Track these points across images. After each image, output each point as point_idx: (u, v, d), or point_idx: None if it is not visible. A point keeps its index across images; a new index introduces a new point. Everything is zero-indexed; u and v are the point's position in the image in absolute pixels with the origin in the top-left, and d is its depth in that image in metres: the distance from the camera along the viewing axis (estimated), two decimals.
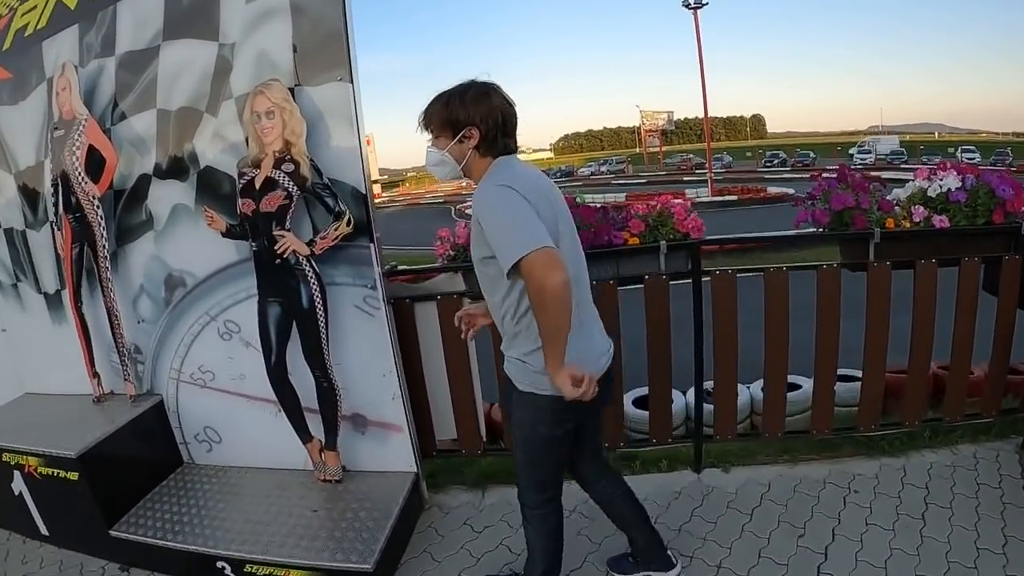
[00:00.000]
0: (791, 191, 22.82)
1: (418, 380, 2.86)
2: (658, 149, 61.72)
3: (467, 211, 2.34)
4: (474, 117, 1.71)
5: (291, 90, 2.50)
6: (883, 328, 2.88)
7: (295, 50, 2.53)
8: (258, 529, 2.62)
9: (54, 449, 2.79)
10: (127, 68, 2.89)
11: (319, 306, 2.56)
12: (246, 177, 2.57)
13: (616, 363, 2.08)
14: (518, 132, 1.81)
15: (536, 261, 1.53)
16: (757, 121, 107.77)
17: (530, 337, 1.72)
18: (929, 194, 2.86)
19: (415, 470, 2.83)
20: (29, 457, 2.88)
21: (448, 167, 1.78)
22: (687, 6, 30.62)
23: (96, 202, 2.90)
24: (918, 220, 2.83)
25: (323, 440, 2.78)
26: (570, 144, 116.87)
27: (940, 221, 2.80)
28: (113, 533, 2.80)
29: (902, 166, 34.84)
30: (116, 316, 2.99)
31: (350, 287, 2.63)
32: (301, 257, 2.53)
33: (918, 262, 2.83)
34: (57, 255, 3.17)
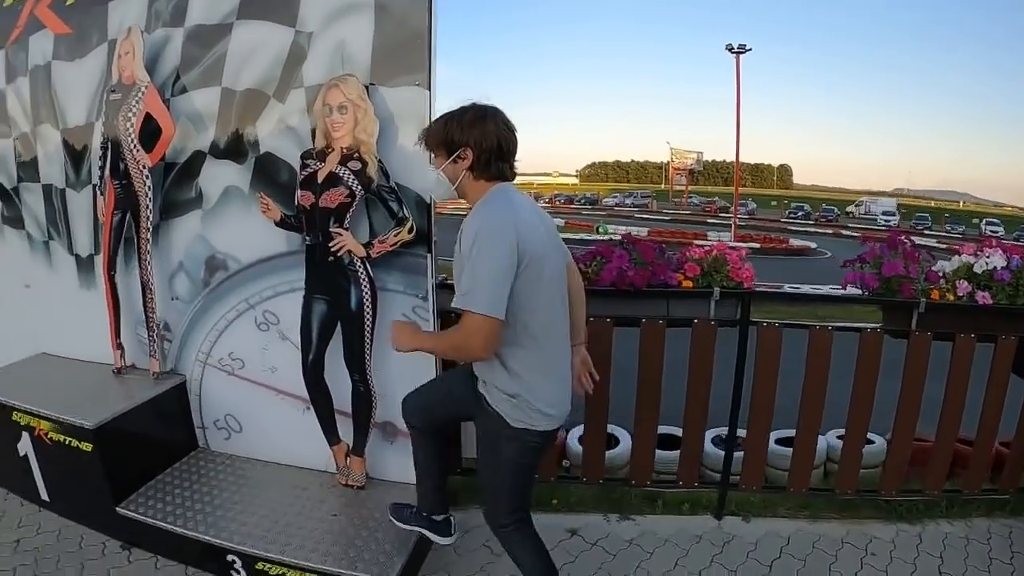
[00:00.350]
0: (813, 245, 22.88)
1: None
2: (684, 188, 61.46)
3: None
4: (468, 139, 1.76)
5: (365, 88, 2.44)
6: (917, 396, 2.90)
7: (374, 48, 2.48)
8: (275, 527, 2.57)
9: (71, 417, 2.72)
10: (195, 41, 2.83)
11: (368, 310, 2.51)
12: (309, 169, 2.51)
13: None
14: (516, 158, 1.86)
15: (481, 325, 1.65)
16: (784, 171, 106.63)
17: (516, 373, 1.81)
18: (975, 270, 2.88)
19: None
20: (42, 421, 2.81)
21: (443, 186, 1.85)
22: (730, 50, 30.33)
23: (146, 172, 2.84)
24: (962, 294, 2.85)
25: (351, 444, 2.73)
26: (596, 172, 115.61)
27: (983, 297, 2.83)
28: (120, 510, 2.74)
29: (925, 231, 35.39)
30: (151, 290, 2.93)
31: (401, 295, 2.59)
32: (356, 258, 2.48)
33: (958, 335, 2.85)
34: (95, 219, 3.10)
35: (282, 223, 2.61)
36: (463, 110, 1.80)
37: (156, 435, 2.99)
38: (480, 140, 1.76)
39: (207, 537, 2.56)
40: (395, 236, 2.45)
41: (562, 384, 1.91)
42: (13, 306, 3.64)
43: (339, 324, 2.56)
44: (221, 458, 3.06)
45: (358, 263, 2.49)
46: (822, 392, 2.88)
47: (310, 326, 2.60)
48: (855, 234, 31.28)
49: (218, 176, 2.80)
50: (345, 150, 2.44)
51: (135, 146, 2.84)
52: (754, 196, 58.42)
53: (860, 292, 2.94)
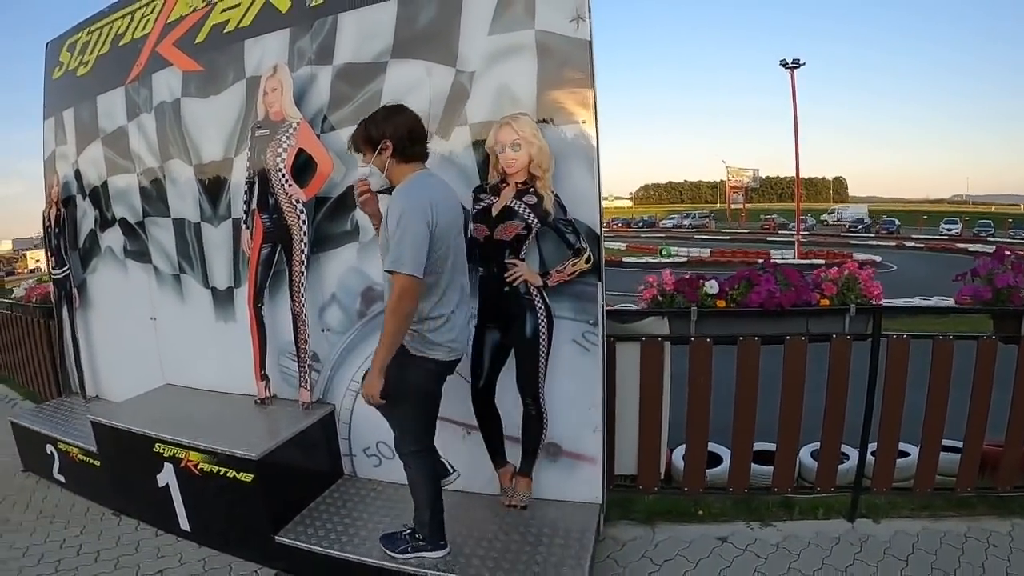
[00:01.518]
0: (878, 259, 22.26)
1: (608, 415, 2.94)
2: (742, 206, 60.66)
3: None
4: (385, 131, 2.17)
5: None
6: None
7: (539, 88, 2.58)
8: (451, 548, 2.64)
9: (233, 448, 2.77)
10: (346, 79, 2.93)
11: (543, 336, 2.58)
12: (482, 203, 2.58)
13: None
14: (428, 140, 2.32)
15: (408, 283, 2.07)
16: (839, 183, 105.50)
17: (420, 313, 2.18)
18: None
19: (600, 501, 2.88)
20: (191, 452, 2.85)
21: (376, 177, 2.27)
22: (784, 65, 29.82)
23: (300, 206, 2.92)
24: None
25: (517, 466, 2.82)
26: (649, 194, 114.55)
27: None
28: (279, 539, 2.78)
29: (989, 238, 34.75)
30: (304, 321, 3.00)
31: (571, 321, 2.67)
32: (532, 287, 2.57)
33: None
34: (236, 253, 3.17)
35: None
36: (376, 111, 2.26)
37: (308, 464, 3.05)
38: (394, 131, 2.17)
39: (377, 561, 2.62)
40: (572, 266, 2.54)
41: (460, 324, 2.32)
42: (137, 338, 3.68)
43: (513, 351, 2.65)
44: (371, 484, 3.10)
45: (534, 292, 2.56)
46: (944, 399, 3.04)
47: (482, 353, 2.66)
48: (919, 245, 30.70)
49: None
50: (520, 185, 2.52)
51: (287, 181, 2.92)
52: (811, 210, 56.15)
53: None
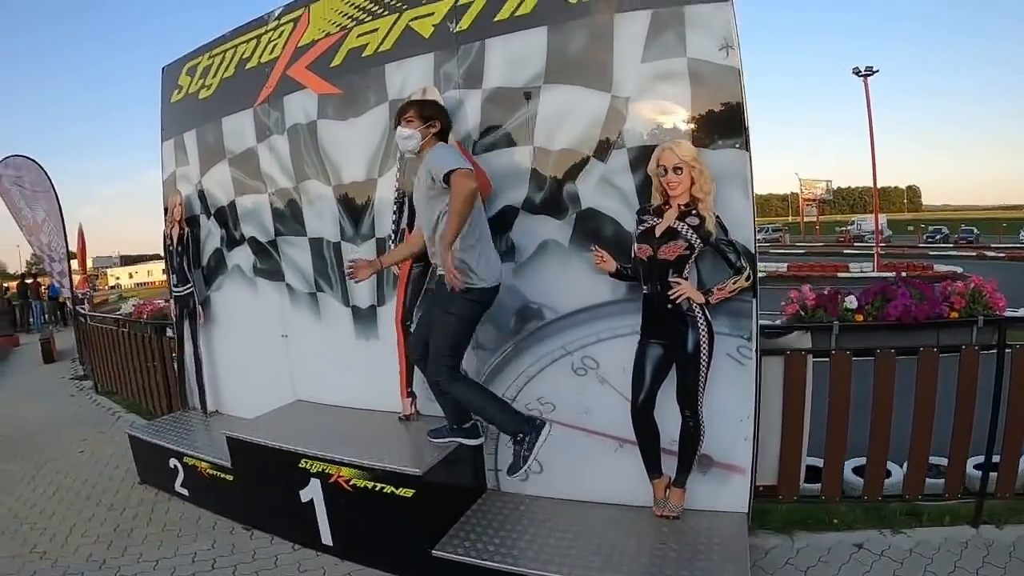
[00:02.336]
0: (959, 270, 21.17)
1: None
2: (815, 219, 58.84)
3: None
4: (438, 115, 2.78)
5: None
6: None
7: (693, 112, 2.65)
8: (605, 559, 2.63)
9: (395, 464, 2.83)
10: (497, 103, 3.00)
11: (704, 351, 2.66)
12: (646, 224, 2.65)
13: None
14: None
15: (466, 174, 2.53)
16: (913, 192, 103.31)
17: (464, 246, 2.63)
18: None
19: (747, 511, 2.96)
20: (343, 468, 2.92)
21: (412, 142, 2.74)
22: (857, 73, 28.46)
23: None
24: None
25: (672, 477, 2.89)
26: None
27: None
28: (436, 553, 2.82)
29: None
30: None
31: (726, 336, 2.73)
32: (694, 304, 2.65)
33: None
34: (380, 272, 3.23)
35: (616, 274, 2.76)
36: (426, 99, 2.93)
37: (458, 480, 3.11)
38: (444, 117, 2.80)
39: (538, 571, 2.68)
40: (733, 284, 2.62)
41: (494, 260, 2.80)
42: (267, 355, 3.76)
43: (674, 365, 2.73)
44: (518, 499, 3.15)
45: (696, 309, 2.64)
46: None
47: (643, 368, 2.72)
48: (1000, 255, 29.60)
49: (533, 230, 2.95)
50: (682, 207, 2.60)
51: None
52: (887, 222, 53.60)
53: None
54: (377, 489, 2.84)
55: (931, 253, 34.80)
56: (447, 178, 2.53)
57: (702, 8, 2.56)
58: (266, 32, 3.70)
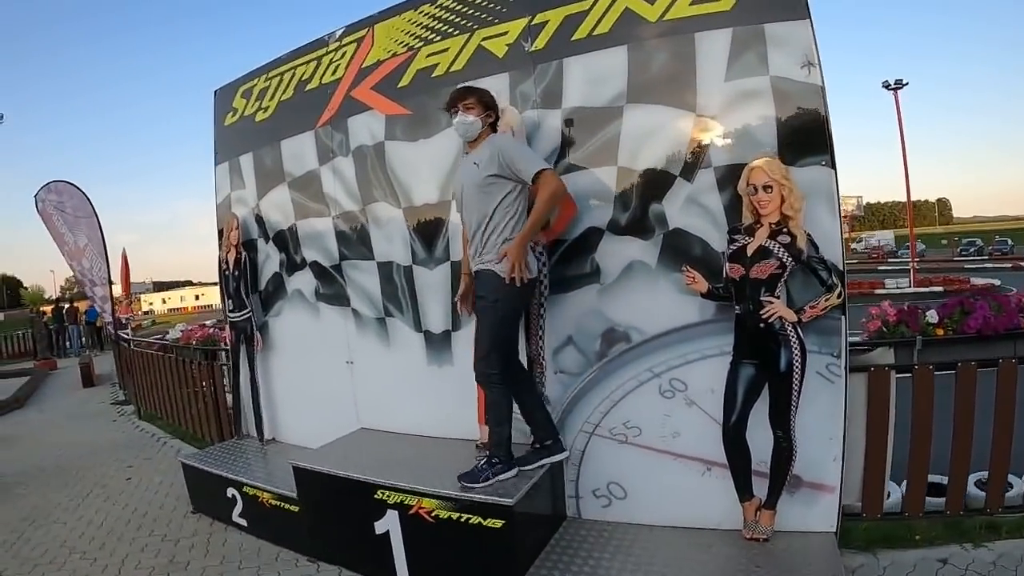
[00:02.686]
0: (996, 282, 21.16)
1: None
2: (848, 235, 57.54)
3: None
4: (495, 106, 2.78)
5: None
6: None
7: (779, 131, 2.62)
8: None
9: (486, 495, 2.72)
10: (578, 123, 2.95)
11: (796, 370, 2.60)
12: (737, 243, 2.62)
13: None
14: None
15: (552, 174, 2.60)
16: (943, 205, 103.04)
17: (496, 235, 2.64)
18: None
19: (835, 530, 2.89)
20: (424, 499, 2.83)
21: (474, 129, 2.71)
22: (887, 87, 27.94)
23: (539, 248, 2.94)
24: None
25: (762, 499, 2.83)
26: None
27: None
28: None
29: None
30: (541, 364, 3.01)
31: (816, 354, 2.66)
32: (787, 323, 2.61)
33: None
34: (455, 295, 3.17)
35: (708, 294, 2.71)
36: (480, 88, 2.82)
37: (543, 508, 3.03)
38: (497, 108, 2.79)
39: None
40: (825, 302, 2.57)
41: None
42: (329, 381, 3.68)
43: (767, 385, 2.68)
44: (600, 526, 3.05)
45: (788, 327, 2.59)
46: None
47: (735, 389, 2.66)
48: None
49: (619, 251, 2.90)
50: (773, 225, 2.56)
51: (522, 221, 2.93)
52: (919, 235, 52.65)
53: None
54: (462, 520, 2.75)
55: (966, 266, 34.28)
56: (536, 176, 2.57)
57: (782, 26, 2.56)
58: (327, 53, 3.66)
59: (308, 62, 3.74)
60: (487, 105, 2.72)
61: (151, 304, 56.04)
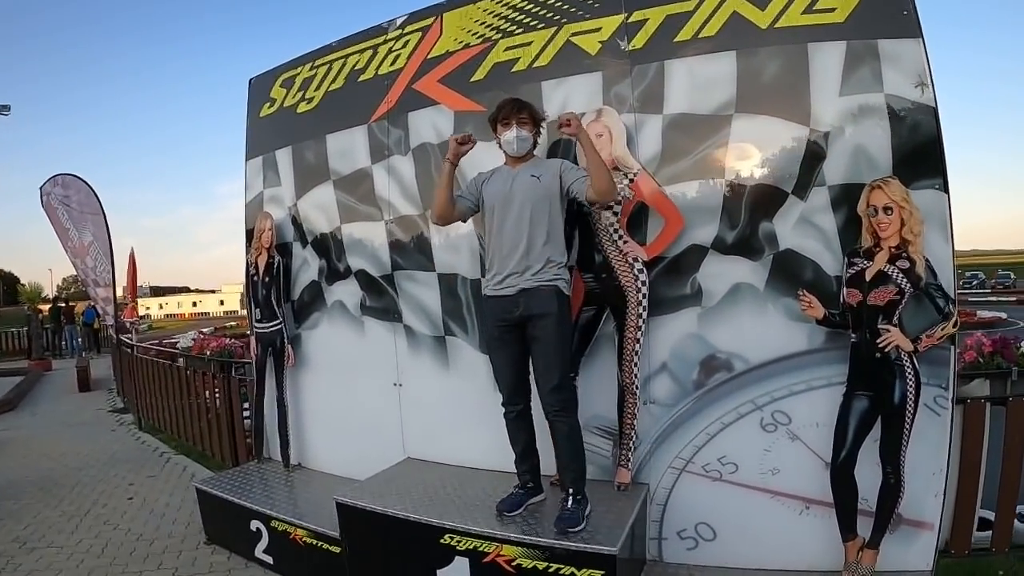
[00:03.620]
0: (1003, 315, 21.32)
1: None
2: None
3: None
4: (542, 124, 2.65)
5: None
6: None
7: (893, 151, 2.47)
8: None
9: (582, 543, 2.40)
10: (682, 130, 2.72)
11: (910, 403, 2.42)
12: (856, 268, 2.46)
13: None
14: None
15: None
16: None
17: (556, 253, 2.52)
18: None
19: (931, 568, 2.66)
20: (505, 546, 2.50)
21: (527, 145, 2.57)
22: None
23: (639, 265, 2.69)
24: None
25: (866, 538, 2.63)
26: None
27: None
28: None
29: None
30: (633, 394, 2.74)
31: (924, 386, 2.50)
32: (903, 353, 2.44)
33: None
34: None
35: (824, 321, 2.51)
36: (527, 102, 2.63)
37: (632, 554, 2.75)
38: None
39: None
40: (942, 330, 2.42)
41: None
42: (373, 404, 3.34)
43: (880, 418, 2.49)
44: (686, 570, 2.80)
45: (904, 357, 2.44)
46: None
47: (847, 422, 2.49)
48: None
49: (724, 272, 2.66)
50: (893, 249, 2.41)
51: (621, 237, 2.70)
52: None
53: None
54: (551, 571, 2.42)
55: (971, 299, 33.24)
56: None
57: (895, 43, 2.46)
58: (385, 42, 3.33)
59: (363, 51, 3.40)
60: (536, 121, 2.59)
61: (148, 309, 54.34)
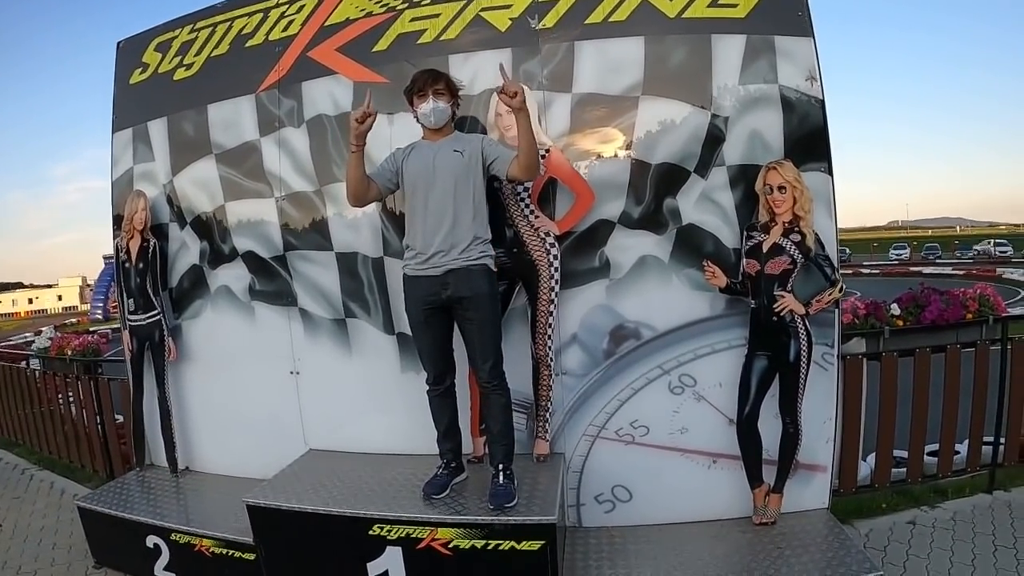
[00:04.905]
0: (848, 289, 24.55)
1: None
2: None
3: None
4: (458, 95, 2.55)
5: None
6: None
7: (785, 137, 2.74)
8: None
9: (521, 516, 2.39)
10: (590, 109, 2.79)
11: (804, 360, 2.68)
12: (754, 240, 2.70)
13: None
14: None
15: None
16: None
17: (482, 229, 2.47)
18: None
19: (827, 506, 2.88)
20: (440, 529, 2.42)
21: (446, 116, 2.48)
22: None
23: (550, 239, 2.71)
24: None
25: (771, 484, 2.82)
26: None
27: None
28: None
29: (937, 261, 37.29)
30: (548, 366, 2.76)
31: (814, 344, 2.73)
32: (796, 316, 2.66)
33: None
34: None
35: (726, 289, 2.70)
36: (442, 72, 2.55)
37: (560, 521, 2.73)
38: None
39: None
40: (829, 295, 2.70)
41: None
42: (267, 396, 3.11)
43: (778, 375, 2.71)
44: (604, 532, 2.84)
45: (798, 320, 2.68)
46: None
47: (749, 381, 2.73)
48: (875, 272, 31.56)
49: (631, 246, 2.76)
50: (786, 224, 2.66)
51: (532, 212, 2.70)
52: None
53: None
54: (491, 548, 2.37)
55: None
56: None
57: (789, 40, 2.71)
58: (278, 6, 3.09)
59: (251, 14, 3.13)
60: (453, 92, 2.50)
61: (15, 302, 48.55)
